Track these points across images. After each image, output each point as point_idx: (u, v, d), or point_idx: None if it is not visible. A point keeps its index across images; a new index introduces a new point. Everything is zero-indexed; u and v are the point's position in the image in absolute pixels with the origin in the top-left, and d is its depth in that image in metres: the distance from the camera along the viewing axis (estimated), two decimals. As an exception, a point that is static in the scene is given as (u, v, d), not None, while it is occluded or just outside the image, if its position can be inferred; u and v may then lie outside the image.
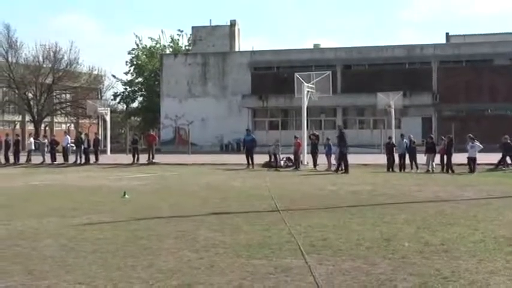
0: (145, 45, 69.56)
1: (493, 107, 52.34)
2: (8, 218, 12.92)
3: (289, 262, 8.38)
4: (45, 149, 37.06)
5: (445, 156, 28.01)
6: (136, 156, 35.17)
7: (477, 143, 27.52)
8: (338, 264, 8.22)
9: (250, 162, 31.05)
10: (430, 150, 28.66)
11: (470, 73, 52.74)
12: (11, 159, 36.18)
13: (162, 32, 71.38)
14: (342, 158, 27.57)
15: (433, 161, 28.27)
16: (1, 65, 57.24)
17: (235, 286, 7.21)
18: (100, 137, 41.96)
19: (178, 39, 70.01)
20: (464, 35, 59.38)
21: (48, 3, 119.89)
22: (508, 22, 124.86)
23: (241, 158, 32.31)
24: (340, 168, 27.57)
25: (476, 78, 52.30)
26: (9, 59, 57.78)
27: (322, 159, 29.95)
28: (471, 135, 28.00)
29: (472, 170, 26.88)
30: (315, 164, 29.96)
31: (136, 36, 72.43)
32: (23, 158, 36.44)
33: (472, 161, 27.15)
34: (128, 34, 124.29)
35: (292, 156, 31.23)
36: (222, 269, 8.05)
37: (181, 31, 70.23)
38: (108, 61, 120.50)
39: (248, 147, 32.13)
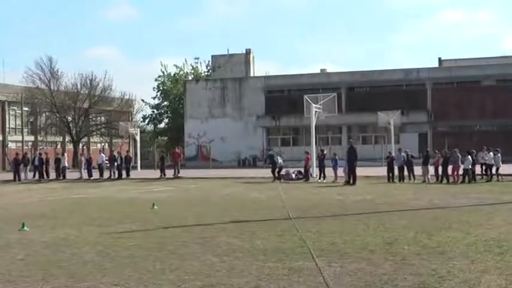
0: (170, 73, 69.98)
1: (482, 124, 52.03)
2: (52, 226, 13.02)
3: (301, 264, 8.37)
4: (82, 166, 37.24)
5: (439, 168, 27.90)
6: (163, 170, 35.26)
7: (469, 157, 27.33)
8: (345, 266, 8.21)
9: (274, 175, 30.89)
10: (426, 162, 28.56)
11: (461, 93, 52.50)
12: (52, 175, 36.50)
13: (185, 60, 71.60)
14: (352, 171, 27.36)
15: (428, 172, 28.15)
16: (44, 92, 57.66)
17: (253, 287, 7.21)
18: (131, 155, 42.03)
19: (197, 67, 70.38)
20: (455, 59, 59.25)
21: (80, 38, 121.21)
22: (493, 45, 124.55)
23: (257, 172, 32.29)
24: (348, 180, 27.42)
25: (467, 97, 52.02)
26: (52, 86, 58.20)
27: (329, 172, 29.89)
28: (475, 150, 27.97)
29: (464, 180, 26.75)
30: (324, 177, 29.91)
31: (162, 65, 72.82)
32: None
33: (466, 172, 26.99)
34: (150, 62, 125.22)
35: (302, 170, 31.19)
36: (241, 271, 8.06)
37: (198, 58, 70.65)
38: (133, 86, 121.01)
39: (270, 162, 31.80)
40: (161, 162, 37.21)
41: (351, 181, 26.95)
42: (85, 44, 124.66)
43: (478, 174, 27.89)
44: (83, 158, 38.62)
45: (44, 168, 36.53)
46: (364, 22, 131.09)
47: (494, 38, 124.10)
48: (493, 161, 27.87)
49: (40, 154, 38.33)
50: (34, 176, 36.41)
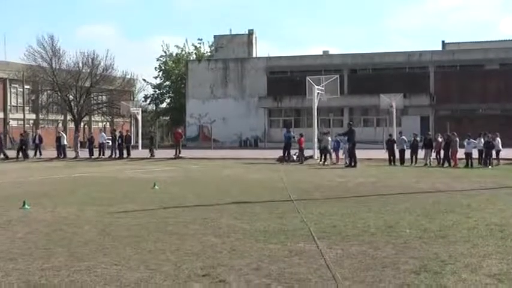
0: (172, 53, 69.78)
1: (484, 107, 51.92)
2: (53, 205, 13.00)
3: (302, 246, 8.34)
4: (78, 144, 37.27)
5: (441, 151, 27.84)
6: (151, 151, 35.40)
7: (473, 140, 27.26)
8: (346, 249, 8.17)
9: (286, 155, 30.87)
10: (427, 146, 28.50)
11: (464, 77, 52.36)
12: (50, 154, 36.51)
13: (186, 40, 71.53)
14: (352, 153, 27.29)
15: (430, 155, 28.12)
16: (46, 70, 57.51)
17: (254, 268, 7.17)
18: (131, 134, 42.04)
19: (200, 47, 70.20)
20: (458, 43, 59.01)
21: (75, 15, 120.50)
22: (492, 29, 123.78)
23: (258, 153, 32.26)
24: (349, 162, 27.36)
25: (469, 81, 51.91)
26: (53, 65, 58.04)
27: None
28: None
29: (467, 164, 26.64)
30: (325, 159, 29.89)
31: (164, 44, 72.66)
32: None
33: (468, 156, 26.91)
34: (150, 42, 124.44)
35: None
36: (242, 252, 8.03)
37: (201, 39, 70.68)
38: (135, 66, 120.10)
39: (285, 143, 31.78)
40: (150, 142, 37.27)
41: (352, 163, 26.90)
42: (82, 23, 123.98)
43: (475, 158, 27.71)
44: (78, 135, 38.61)
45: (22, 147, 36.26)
46: (362, 5, 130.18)
47: (493, 21, 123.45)
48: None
49: (25, 134, 38.15)
50: (35, 154, 36.43)
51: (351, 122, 33.08)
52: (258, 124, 55.67)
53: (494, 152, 27.28)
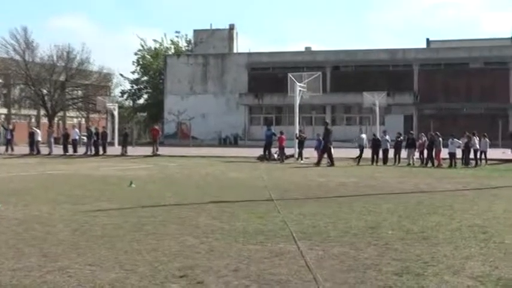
0: (150, 47, 69.51)
1: (469, 106, 52.47)
2: (25, 203, 12.86)
3: (283, 247, 8.35)
4: (52, 141, 37.01)
5: (425, 151, 28.06)
6: (124, 148, 35.22)
7: (456, 140, 27.53)
8: (327, 250, 8.20)
9: (266, 154, 30.90)
10: (411, 145, 28.71)
11: (448, 75, 52.88)
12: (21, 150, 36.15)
13: (164, 35, 71.28)
14: (326, 152, 27.53)
15: (413, 155, 28.34)
16: (19, 63, 56.94)
17: (233, 269, 7.16)
18: (107, 131, 41.89)
19: (178, 41, 69.99)
20: (443, 41, 59.53)
21: (46, 6, 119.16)
22: (474, 27, 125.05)
23: (238, 151, 32.23)
24: (322, 161, 27.57)
25: (454, 80, 52.43)
26: (26, 58, 57.51)
27: (310, 153, 29.95)
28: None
29: (451, 164, 26.90)
30: (302, 157, 30.04)
31: (141, 39, 72.32)
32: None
33: (452, 156, 27.16)
34: (128, 35, 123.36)
35: (285, 150, 31.25)
36: (220, 253, 8.02)
37: (178, 32, 70.57)
38: (110, 60, 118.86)
39: (266, 141, 31.85)
40: (124, 139, 37.07)
41: (323, 162, 27.14)
42: (52, 13, 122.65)
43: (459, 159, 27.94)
44: (53, 130, 38.30)
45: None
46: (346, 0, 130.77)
47: (475, 19, 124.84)
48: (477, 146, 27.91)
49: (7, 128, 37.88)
50: (7, 150, 36.10)
51: (327, 121, 33.21)
52: (238, 121, 55.67)
53: (478, 152, 27.58)
